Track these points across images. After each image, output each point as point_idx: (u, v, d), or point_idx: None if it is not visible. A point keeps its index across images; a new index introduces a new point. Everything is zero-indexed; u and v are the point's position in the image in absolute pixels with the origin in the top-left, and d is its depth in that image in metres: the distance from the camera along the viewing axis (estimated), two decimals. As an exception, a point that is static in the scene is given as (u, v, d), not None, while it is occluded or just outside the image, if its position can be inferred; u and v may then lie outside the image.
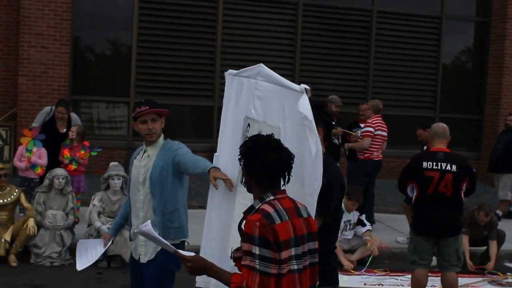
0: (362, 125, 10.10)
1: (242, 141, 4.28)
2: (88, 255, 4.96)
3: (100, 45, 12.91)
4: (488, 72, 14.50)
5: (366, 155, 9.82)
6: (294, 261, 3.09)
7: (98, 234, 7.73)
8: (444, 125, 6.49)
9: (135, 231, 3.78)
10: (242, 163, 3.23)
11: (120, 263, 7.78)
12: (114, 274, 7.53)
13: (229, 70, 4.51)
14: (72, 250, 8.01)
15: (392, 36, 13.96)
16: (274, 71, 4.01)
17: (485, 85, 14.57)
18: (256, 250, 2.98)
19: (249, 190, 3.36)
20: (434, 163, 6.25)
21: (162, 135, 4.66)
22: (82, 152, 9.18)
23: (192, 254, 3.25)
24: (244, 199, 4.20)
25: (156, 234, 3.47)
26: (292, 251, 3.08)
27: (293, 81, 3.78)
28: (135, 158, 4.75)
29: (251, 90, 4.20)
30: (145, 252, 4.61)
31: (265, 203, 3.14)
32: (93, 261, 4.95)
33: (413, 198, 6.46)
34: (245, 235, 3.05)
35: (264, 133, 3.50)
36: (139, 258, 4.65)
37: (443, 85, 14.38)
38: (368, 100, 11.71)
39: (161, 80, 12.77)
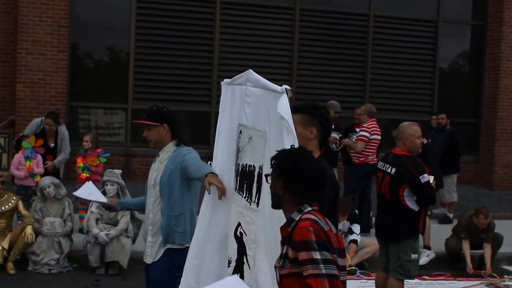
0: (357, 129, 10.09)
1: (236, 149, 4.31)
2: (91, 193, 4.97)
3: (97, 52, 12.93)
4: (485, 76, 14.52)
5: (361, 159, 9.82)
6: (341, 272, 3.01)
7: (96, 241, 7.75)
8: (402, 126, 6.28)
9: None
10: (276, 175, 3.13)
11: (118, 270, 7.79)
12: (112, 281, 7.54)
13: (225, 80, 4.55)
14: (70, 257, 8.04)
15: (389, 40, 13.99)
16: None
17: (482, 88, 14.59)
18: (317, 255, 2.86)
19: (276, 206, 3.23)
20: (383, 164, 6.19)
21: (173, 141, 4.78)
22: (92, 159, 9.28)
23: None
24: (239, 206, 4.23)
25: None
26: (339, 261, 3.00)
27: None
28: (154, 162, 4.90)
29: (242, 96, 4.24)
30: (151, 254, 4.73)
31: (306, 213, 3.05)
32: (90, 199, 5.06)
33: None
34: (300, 244, 2.90)
35: (253, 138, 3.49)
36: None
37: (440, 89, 14.40)
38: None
39: (158, 86, 12.78)
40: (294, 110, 3.94)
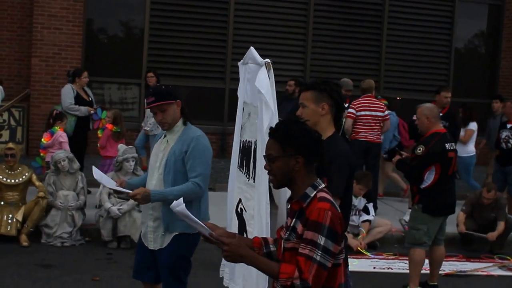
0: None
1: (240, 126, 4.38)
2: (102, 177, 4.58)
3: (112, 27, 12.94)
4: (501, 56, 14.40)
5: (351, 135, 9.68)
6: (344, 251, 3.06)
7: (108, 215, 7.81)
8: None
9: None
10: (295, 151, 2.94)
11: (130, 244, 7.85)
12: (124, 255, 7.60)
13: (241, 60, 4.58)
14: (83, 231, 8.11)
15: (404, 19, 13.88)
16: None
17: (498, 69, 14.48)
18: (321, 240, 2.81)
19: (283, 186, 3.05)
20: (450, 144, 6.48)
21: (181, 120, 4.45)
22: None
23: (229, 240, 2.97)
24: (239, 182, 4.30)
25: (188, 213, 3.14)
26: (343, 241, 3.05)
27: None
28: (157, 140, 4.60)
29: (246, 74, 4.34)
30: (154, 239, 4.47)
31: (321, 191, 2.96)
32: (102, 183, 4.73)
33: (430, 182, 6.43)
34: (313, 223, 2.83)
35: (251, 114, 3.46)
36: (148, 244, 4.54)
37: (456, 69, 14.29)
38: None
39: (172, 62, 12.79)
40: (305, 88, 3.93)
